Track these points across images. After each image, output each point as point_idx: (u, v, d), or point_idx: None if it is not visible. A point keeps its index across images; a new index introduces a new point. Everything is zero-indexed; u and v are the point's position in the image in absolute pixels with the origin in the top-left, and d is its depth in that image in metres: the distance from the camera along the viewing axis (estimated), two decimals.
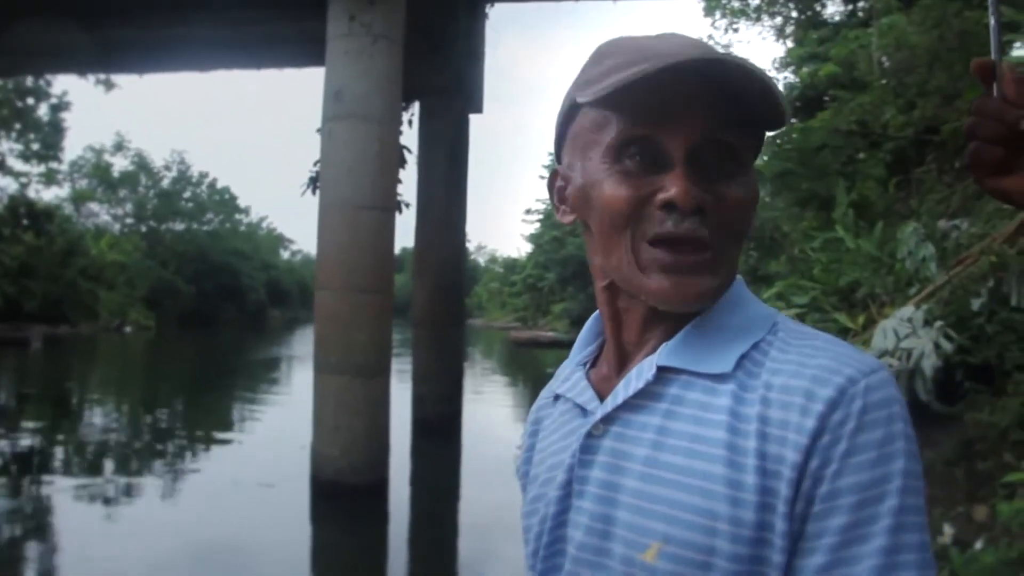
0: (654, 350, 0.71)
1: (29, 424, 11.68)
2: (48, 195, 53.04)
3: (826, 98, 9.01)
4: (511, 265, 58.81)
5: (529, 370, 21.48)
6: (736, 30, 14.65)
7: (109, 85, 26.60)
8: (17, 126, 32.32)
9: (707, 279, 0.68)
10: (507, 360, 26.86)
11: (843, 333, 5.45)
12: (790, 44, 13.28)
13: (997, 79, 0.62)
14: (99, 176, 51.10)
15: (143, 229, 51.74)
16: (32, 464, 8.89)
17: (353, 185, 6.93)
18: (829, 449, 0.60)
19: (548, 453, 0.78)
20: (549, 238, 40.03)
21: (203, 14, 10.28)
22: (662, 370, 0.69)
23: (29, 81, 29.80)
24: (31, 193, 35.56)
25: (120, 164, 52.69)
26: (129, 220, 52.41)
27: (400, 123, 8.07)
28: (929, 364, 4.37)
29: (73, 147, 50.18)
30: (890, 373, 0.65)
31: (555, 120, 0.78)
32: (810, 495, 0.60)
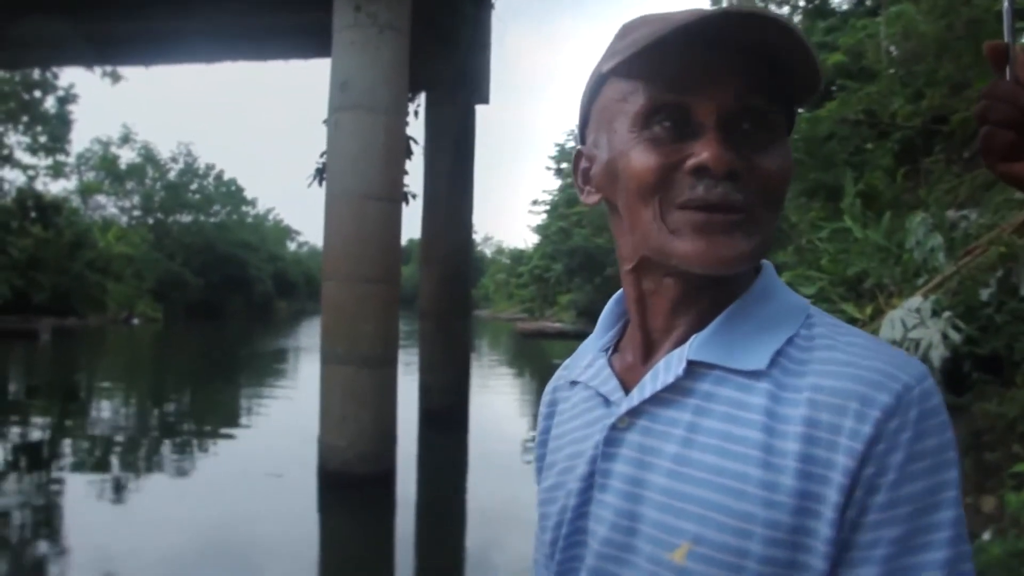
0: (682, 338, 0.69)
1: (42, 415, 11.76)
2: (56, 188, 53.18)
3: (834, 88, 8.95)
4: (518, 256, 58.81)
5: (536, 361, 21.50)
6: None
7: (116, 77, 26.64)
8: (24, 119, 32.41)
9: (742, 241, 0.64)
10: (514, 351, 26.87)
11: (851, 323, 5.43)
12: None
13: (1010, 62, 0.61)
14: (106, 168, 51.22)
15: (150, 221, 51.88)
16: (47, 454, 8.97)
17: (359, 176, 6.92)
18: (885, 457, 0.59)
19: (567, 441, 0.75)
20: (556, 229, 39.95)
21: (208, 5, 10.28)
22: (692, 364, 0.67)
23: (36, 74, 29.84)
24: (39, 186, 35.77)
25: (127, 156, 52.87)
26: (136, 212, 52.56)
27: (406, 114, 8.05)
28: (937, 355, 4.36)
29: (80, 140, 50.41)
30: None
31: (579, 101, 0.75)
32: (864, 503, 0.59)
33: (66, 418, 11.55)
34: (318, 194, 7.95)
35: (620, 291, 0.77)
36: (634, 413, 0.69)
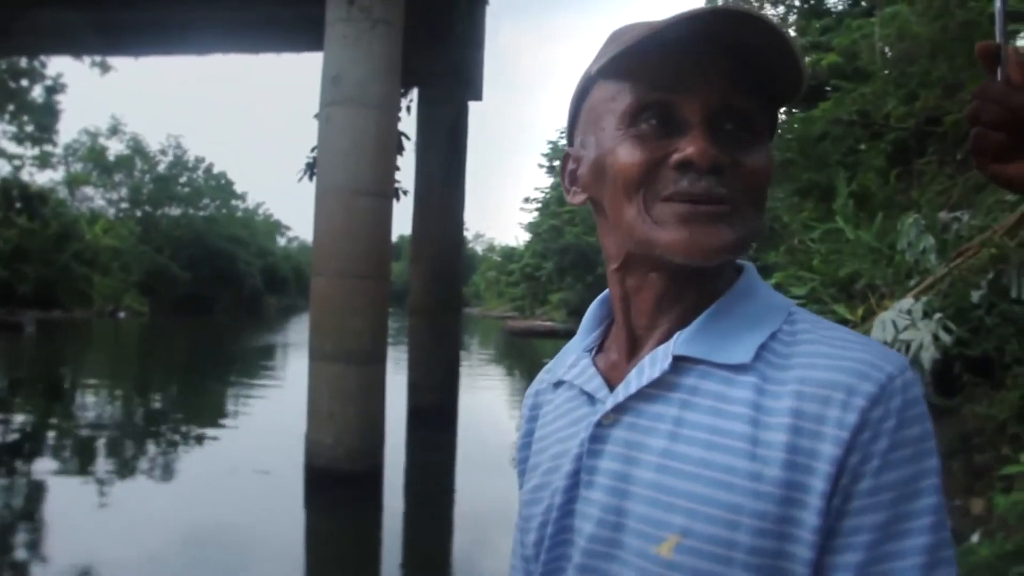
0: (666, 335, 0.70)
1: (26, 408, 11.67)
2: (42, 178, 52.96)
3: (828, 88, 8.96)
4: (509, 254, 58.83)
5: (525, 360, 21.50)
6: None
7: (105, 68, 26.49)
8: (11, 107, 32.13)
9: (726, 231, 0.66)
10: (504, 349, 26.88)
11: (842, 324, 5.43)
12: (792, 33, 13.25)
13: (1002, 63, 0.61)
14: (94, 160, 50.92)
15: (138, 214, 51.61)
16: (32, 449, 8.89)
17: (350, 171, 6.89)
18: (870, 445, 0.60)
19: (551, 441, 0.76)
20: (547, 227, 39.99)
21: None
22: (678, 359, 0.68)
23: (23, 62, 29.58)
24: (25, 176, 35.47)
25: (115, 148, 52.60)
26: (124, 205, 52.28)
27: (398, 109, 8.03)
28: (928, 356, 4.36)
29: (68, 130, 50.08)
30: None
31: (568, 104, 0.77)
32: (848, 491, 0.60)
33: (52, 412, 11.46)
34: (308, 189, 7.92)
35: (604, 292, 0.79)
36: (620, 409, 0.69)
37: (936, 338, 4.41)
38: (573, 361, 0.78)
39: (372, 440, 6.93)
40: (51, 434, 9.83)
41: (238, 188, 66.10)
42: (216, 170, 60.11)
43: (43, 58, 28.29)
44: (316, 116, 7.46)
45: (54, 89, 33.10)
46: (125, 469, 8.04)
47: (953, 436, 4.15)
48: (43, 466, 7.98)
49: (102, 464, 8.27)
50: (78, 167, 50.43)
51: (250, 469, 7.51)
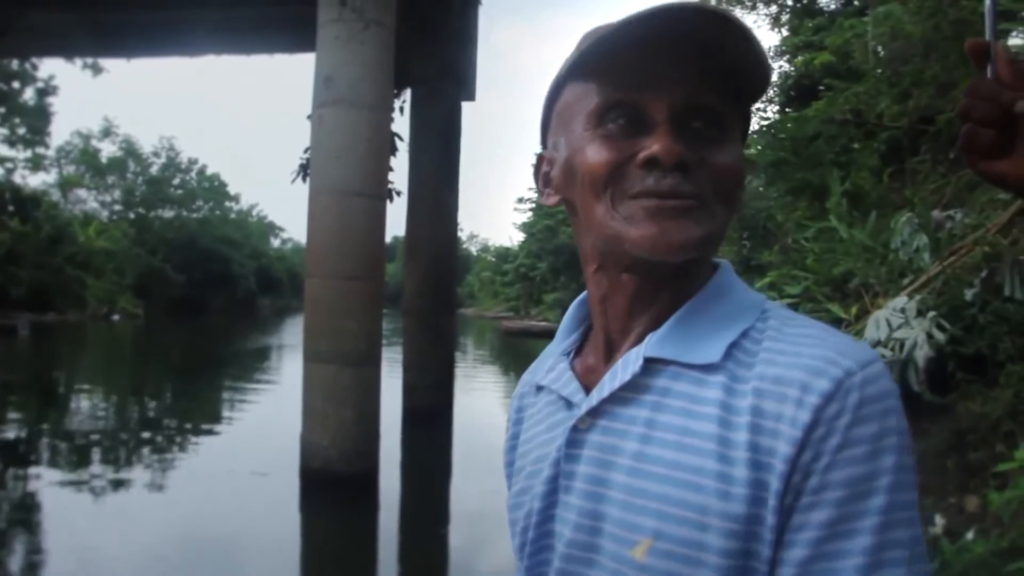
0: (640, 338, 0.70)
1: (23, 411, 11.63)
2: (35, 181, 52.73)
3: (821, 87, 8.99)
4: (503, 254, 58.80)
5: (521, 360, 21.49)
6: None
7: (97, 70, 26.40)
8: (3, 110, 31.98)
9: (693, 227, 0.65)
10: (499, 350, 26.88)
11: (836, 323, 5.45)
12: (785, 32, 13.27)
13: (992, 60, 0.61)
14: (87, 162, 50.75)
15: (131, 216, 51.45)
16: (31, 452, 8.87)
17: (344, 172, 6.87)
18: (822, 442, 0.59)
19: (533, 445, 0.76)
20: (541, 227, 40.03)
21: None
22: (649, 361, 0.68)
23: (15, 64, 29.45)
24: (17, 179, 35.33)
25: (108, 150, 52.44)
26: (117, 207, 52.11)
27: (391, 110, 8.01)
28: (922, 354, 4.38)
29: (60, 132, 49.81)
30: (885, 364, 0.64)
31: (542, 106, 0.77)
32: (799, 488, 0.59)
33: (49, 415, 11.44)
34: (302, 190, 7.90)
35: (583, 295, 0.78)
36: (594, 413, 0.69)
37: (930, 336, 4.43)
38: (551, 365, 0.78)
39: (367, 441, 6.91)
40: (49, 437, 9.79)
41: (231, 190, 66.11)
42: (209, 172, 60.00)
43: (35, 60, 28.19)
44: (309, 117, 7.45)
45: (46, 91, 32.94)
46: (123, 471, 8.01)
47: (947, 434, 4.16)
48: (41, 469, 7.94)
49: (100, 466, 8.24)
50: (71, 169, 50.26)
51: (247, 470, 7.49)
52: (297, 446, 6.88)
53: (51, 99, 33.52)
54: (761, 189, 8.32)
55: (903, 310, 4.66)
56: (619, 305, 0.71)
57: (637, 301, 0.70)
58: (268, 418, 10.73)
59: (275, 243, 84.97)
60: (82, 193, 50.34)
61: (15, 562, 5.32)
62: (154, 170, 54.43)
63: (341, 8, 6.91)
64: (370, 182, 7.02)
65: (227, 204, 63.24)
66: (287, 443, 7.12)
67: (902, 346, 4.50)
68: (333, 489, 6.61)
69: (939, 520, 3.59)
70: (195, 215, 56.04)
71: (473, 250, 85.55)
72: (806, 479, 0.59)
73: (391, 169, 8.43)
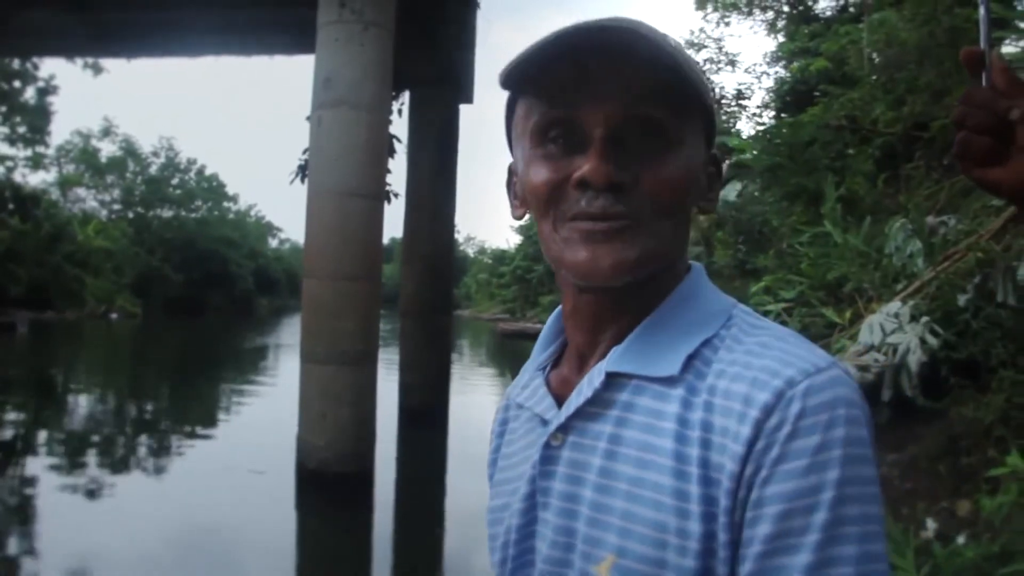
0: (606, 351, 0.69)
1: (25, 408, 11.64)
2: (34, 179, 52.64)
3: (816, 93, 9.01)
4: (500, 256, 58.79)
5: (516, 362, 21.44)
6: (728, 24, 14.66)
7: (97, 69, 26.41)
8: (3, 109, 31.95)
9: (626, 248, 0.64)
10: (494, 351, 26.87)
11: (830, 328, 5.47)
12: (781, 39, 13.30)
13: (986, 68, 0.62)
14: (86, 161, 50.68)
15: (130, 215, 51.39)
16: (30, 448, 8.88)
17: (342, 173, 6.89)
18: (762, 456, 0.57)
19: (514, 461, 0.76)
20: (538, 230, 39.93)
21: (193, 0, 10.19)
22: (612, 376, 0.67)
23: (16, 64, 29.44)
24: (17, 177, 35.24)
25: (108, 149, 52.38)
26: (116, 206, 52.05)
27: (390, 111, 8.03)
28: (915, 359, 4.39)
29: (60, 131, 49.66)
30: (843, 371, 0.61)
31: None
32: (744, 502, 0.58)
33: (49, 412, 11.44)
34: (300, 191, 7.92)
35: (559, 307, 0.77)
36: (564, 429, 0.69)
37: (923, 341, 4.45)
38: (526, 381, 0.78)
39: (363, 441, 6.92)
40: (48, 433, 9.79)
41: (230, 190, 65.91)
42: (208, 172, 59.90)
43: (35, 60, 28.18)
44: (308, 118, 7.46)
45: (46, 91, 32.92)
46: (122, 468, 8.02)
47: (939, 438, 4.18)
48: (41, 465, 7.95)
49: (101, 463, 8.25)
50: (70, 168, 50.19)
51: (245, 469, 7.50)
52: (294, 445, 6.90)
53: (51, 98, 33.53)
54: (756, 194, 8.33)
55: (897, 315, 4.68)
56: (584, 320, 0.71)
57: (600, 316, 0.70)
58: (266, 417, 10.73)
59: (273, 243, 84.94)
60: (81, 192, 50.31)
61: (19, 556, 5.35)
62: (153, 170, 54.37)
63: (340, 10, 6.93)
64: (368, 183, 7.04)
65: (225, 204, 63.16)
66: (284, 442, 7.13)
67: (895, 351, 4.52)
68: (329, 489, 6.61)
69: (931, 524, 3.60)
70: (194, 215, 55.97)
71: (470, 252, 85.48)
72: (749, 494, 0.58)
73: (389, 171, 8.45)
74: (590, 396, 0.67)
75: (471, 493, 6.92)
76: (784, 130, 8.12)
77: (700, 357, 0.65)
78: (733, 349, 0.64)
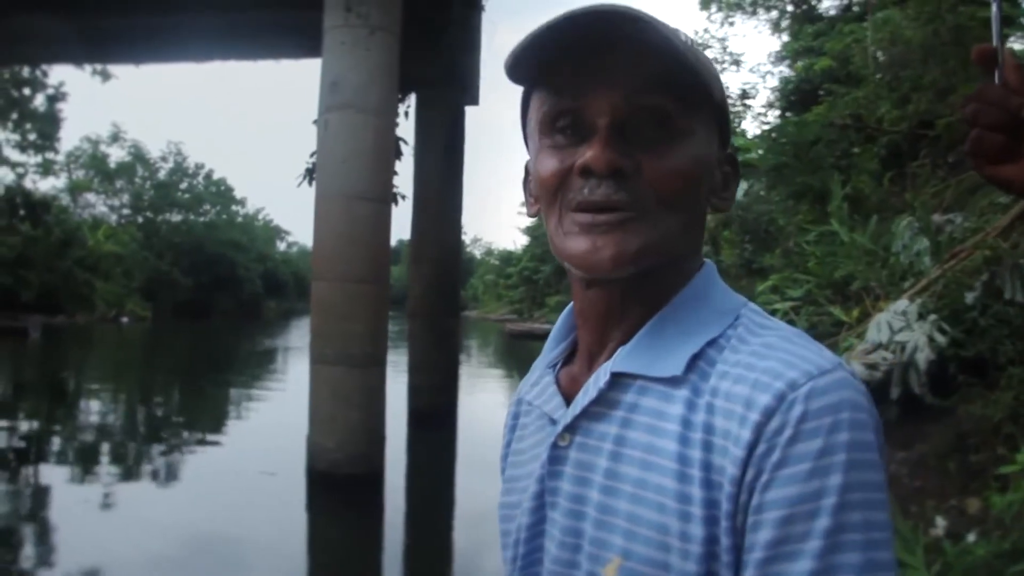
0: (613, 352, 0.68)
1: (42, 413, 11.74)
2: (45, 185, 52.81)
3: (821, 92, 8.99)
4: (507, 257, 58.85)
5: (524, 362, 21.43)
6: (732, 24, 14.64)
7: (106, 76, 26.56)
8: (13, 116, 32.15)
9: (624, 240, 0.63)
10: (502, 352, 26.88)
11: (837, 326, 5.47)
12: (786, 38, 13.28)
13: (999, 65, 0.61)
14: (96, 167, 50.94)
15: (140, 220, 51.62)
16: (53, 452, 8.97)
17: (349, 176, 6.92)
18: (763, 460, 0.56)
19: (523, 457, 0.75)
20: (545, 231, 39.92)
21: (199, 4, 10.24)
22: (617, 376, 0.66)
23: (25, 71, 29.63)
24: (28, 183, 35.46)
25: (117, 155, 52.63)
26: (126, 211, 52.29)
27: (396, 114, 8.05)
28: (923, 357, 4.39)
29: (69, 138, 50.08)
30: (849, 374, 0.60)
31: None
32: (746, 507, 0.57)
33: (67, 416, 11.55)
34: (308, 194, 7.95)
35: (570, 305, 0.76)
36: (571, 429, 0.68)
37: (931, 339, 4.44)
38: (536, 379, 0.77)
39: (373, 443, 6.95)
40: (68, 437, 9.88)
41: (238, 194, 66.30)
42: (216, 176, 60.06)
43: (44, 67, 28.34)
44: (315, 122, 7.50)
45: (56, 98, 33.12)
46: (137, 469, 8.09)
47: (948, 436, 4.17)
48: (60, 468, 8.06)
49: (117, 466, 8.33)
50: (80, 174, 50.45)
51: (256, 470, 7.54)
52: (304, 447, 6.93)
53: (61, 105, 33.73)
54: (762, 193, 8.32)
55: (904, 313, 4.68)
56: (593, 317, 0.70)
57: (608, 313, 0.69)
58: (276, 419, 10.77)
59: (281, 246, 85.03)
60: (91, 197, 50.54)
61: (42, 551, 5.45)
62: (162, 175, 54.59)
63: (347, 14, 6.96)
64: (375, 186, 7.07)
65: (233, 208, 63.33)
66: (295, 444, 7.17)
67: (903, 349, 4.52)
68: (339, 490, 6.65)
69: (941, 522, 3.60)
70: (202, 219, 56.14)
71: (477, 253, 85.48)
72: (750, 498, 0.57)
73: (396, 173, 8.47)
74: (595, 396, 0.66)
75: (480, 494, 6.94)
76: (789, 129, 8.10)
77: (705, 357, 0.64)
78: (738, 350, 0.63)
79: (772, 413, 0.57)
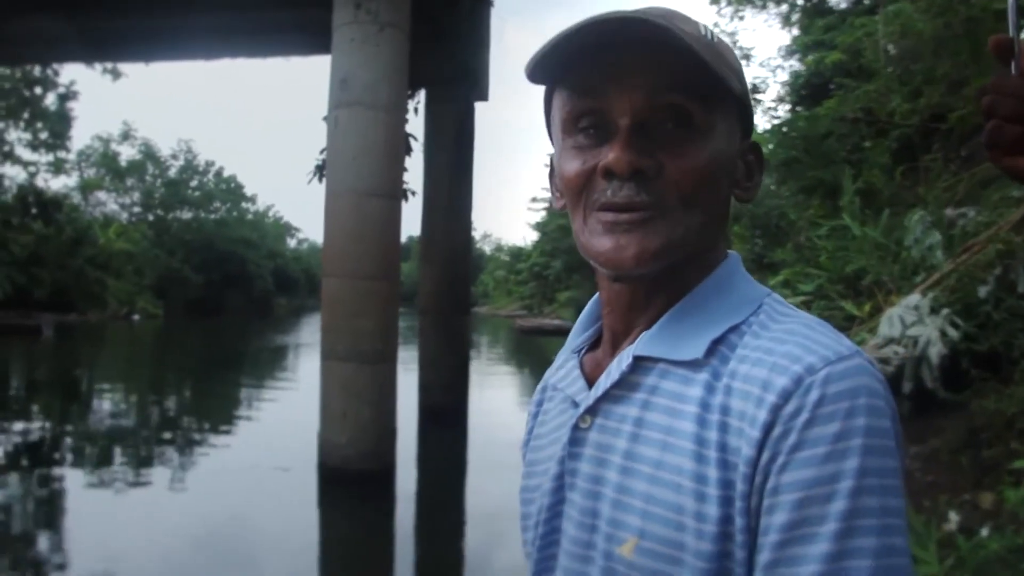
0: (636, 338, 0.70)
1: (58, 410, 11.85)
2: (56, 184, 53.20)
3: (832, 86, 8.95)
4: (517, 253, 58.85)
5: (535, 358, 21.50)
6: (742, 18, 14.58)
7: (116, 74, 26.66)
8: (25, 115, 32.36)
9: (646, 239, 0.65)
10: (513, 348, 26.90)
11: (849, 320, 5.45)
12: (796, 32, 13.22)
13: (1016, 56, 0.61)
14: (107, 165, 51.23)
15: (150, 218, 51.90)
16: (69, 447, 9.08)
17: (359, 173, 6.94)
18: (779, 442, 0.57)
19: (546, 441, 0.77)
20: (555, 226, 39.95)
21: (209, 2, 10.28)
22: (639, 359, 0.67)
23: (37, 71, 29.81)
24: (39, 182, 35.69)
25: (127, 153, 52.98)
26: (137, 209, 52.57)
27: (406, 111, 8.07)
28: (935, 352, 4.38)
29: (81, 136, 50.35)
30: (867, 361, 0.60)
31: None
32: (761, 490, 0.58)
33: (84, 412, 11.67)
34: (318, 191, 7.98)
35: (598, 293, 0.78)
36: (592, 412, 0.70)
37: (943, 333, 4.43)
38: (561, 363, 0.79)
39: (384, 439, 6.98)
40: (84, 433, 9.97)
41: (248, 191, 66.28)
42: (226, 174, 60.27)
43: (55, 66, 28.49)
44: (325, 119, 7.52)
45: (67, 97, 33.32)
46: (153, 465, 8.15)
47: (961, 431, 4.16)
48: (77, 463, 8.15)
49: (132, 461, 8.40)
50: (91, 173, 50.74)
51: (270, 466, 7.59)
52: (316, 443, 6.97)
53: (72, 104, 33.94)
54: (773, 187, 8.30)
55: (916, 307, 4.67)
56: (619, 307, 0.72)
57: (633, 304, 0.70)
58: (288, 415, 10.82)
59: (291, 243, 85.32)
60: (102, 196, 50.83)
61: (63, 540, 5.54)
62: (172, 172, 54.84)
63: (356, 11, 6.97)
64: (385, 182, 7.09)
65: (244, 205, 63.54)
66: (307, 440, 7.20)
67: (916, 343, 4.51)
68: (351, 486, 6.68)
69: (954, 516, 3.59)
70: (212, 216, 56.37)
71: (487, 249, 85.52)
72: (765, 481, 0.57)
73: (406, 169, 8.49)
74: (617, 379, 0.68)
75: (491, 490, 6.96)
76: (800, 123, 8.09)
77: (726, 342, 0.65)
78: (759, 335, 0.64)
79: (789, 395, 0.58)
